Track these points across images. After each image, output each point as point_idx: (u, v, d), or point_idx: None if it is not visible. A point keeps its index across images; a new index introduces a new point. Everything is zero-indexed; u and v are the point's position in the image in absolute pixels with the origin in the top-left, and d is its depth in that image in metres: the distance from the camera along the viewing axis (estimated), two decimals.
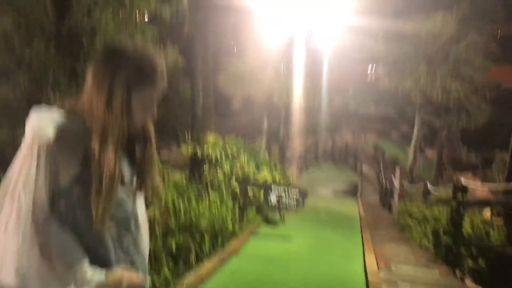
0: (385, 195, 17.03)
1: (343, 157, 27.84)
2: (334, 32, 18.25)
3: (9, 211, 1.17)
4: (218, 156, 8.81)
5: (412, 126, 21.16)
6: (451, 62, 17.51)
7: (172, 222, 5.91)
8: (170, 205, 6.54)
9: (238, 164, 8.85)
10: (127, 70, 1.28)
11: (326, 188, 21.18)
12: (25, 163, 1.19)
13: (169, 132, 13.81)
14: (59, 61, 6.21)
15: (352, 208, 14.19)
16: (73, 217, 1.26)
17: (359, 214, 12.60)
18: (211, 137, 9.37)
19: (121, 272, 1.31)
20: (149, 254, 4.32)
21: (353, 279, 5.19)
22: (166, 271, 4.37)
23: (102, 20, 6.70)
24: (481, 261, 6.02)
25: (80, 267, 1.22)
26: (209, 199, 7.38)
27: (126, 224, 1.40)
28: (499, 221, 6.72)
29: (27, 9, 6.66)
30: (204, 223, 6.17)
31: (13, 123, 5.58)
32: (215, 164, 8.78)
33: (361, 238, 8.22)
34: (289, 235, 7.69)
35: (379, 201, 18.94)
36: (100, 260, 1.29)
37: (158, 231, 5.40)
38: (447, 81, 17.05)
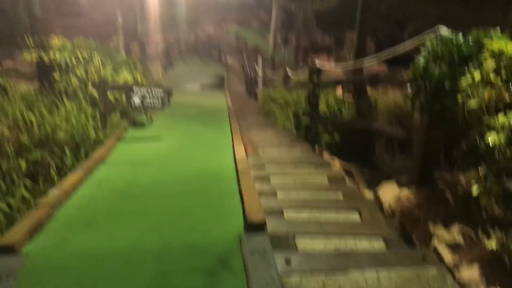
0: (250, 84, 17.53)
1: (207, 50, 27.53)
2: None
3: None
4: (69, 61, 7.95)
5: (270, 13, 21.34)
6: None
7: (25, 139, 5.37)
8: (20, 120, 5.89)
9: (93, 68, 8.14)
10: None
11: (193, 83, 21.05)
12: None
13: (7, 38, 12.02)
14: None
15: (220, 101, 14.42)
16: None
17: (227, 105, 12.88)
18: (57, 40, 8.33)
19: None
20: (3, 176, 3.90)
21: (224, 169, 5.38)
22: (23, 191, 4.04)
23: None
24: (335, 135, 6.67)
25: None
26: (65, 109, 6.80)
27: None
28: (349, 98, 7.37)
29: None
30: (62, 135, 5.73)
31: None
32: (67, 70, 7.95)
33: (230, 129, 8.47)
34: (158, 135, 7.59)
35: (245, 90, 19.50)
36: None
37: (9, 149, 4.88)
38: None
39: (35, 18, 8.46)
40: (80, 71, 8.05)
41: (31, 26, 8.61)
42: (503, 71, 2.55)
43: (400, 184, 3.98)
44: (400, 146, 6.34)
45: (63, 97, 7.35)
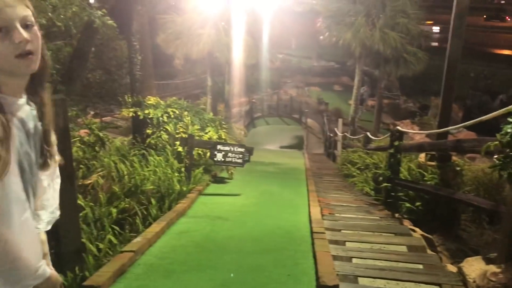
0: (329, 146, 17.55)
1: (288, 112, 28.19)
2: None
3: None
4: (161, 118, 8.63)
5: (353, 78, 21.61)
6: (388, 13, 17.86)
7: (117, 188, 5.81)
8: (114, 170, 6.41)
9: (182, 125, 8.73)
10: None
11: (273, 143, 21.53)
12: None
13: (109, 96, 13.36)
14: None
15: (298, 161, 14.54)
16: None
17: (305, 166, 12.95)
18: (152, 99, 9.13)
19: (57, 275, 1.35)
20: (95, 222, 4.22)
21: (299, 229, 5.38)
22: (111, 236, 4.33)
23: None
24: (417, 203, 6.42)
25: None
26: (154, 162, 7.30)
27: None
28: (433, 164, 7.12)
29: None
30: (149, 186, 6.12)
31: None
32: (158, 126, 8.62)
33: (306, 189, 8.49)
34: (237, 191, 7.80)
35: (324, 152, 19.51)
36: None
37: (102, 197, 5.30)
38: (385, 32, 17.42)
39: (136, 79, 9.37)
40: (170, 127, 8.67)
41: (131, 87, 9.53)
42: None
43: (488, 260, 3.72)
44: (489, 219, 5.96)
45: (153, 151, 7.91)
